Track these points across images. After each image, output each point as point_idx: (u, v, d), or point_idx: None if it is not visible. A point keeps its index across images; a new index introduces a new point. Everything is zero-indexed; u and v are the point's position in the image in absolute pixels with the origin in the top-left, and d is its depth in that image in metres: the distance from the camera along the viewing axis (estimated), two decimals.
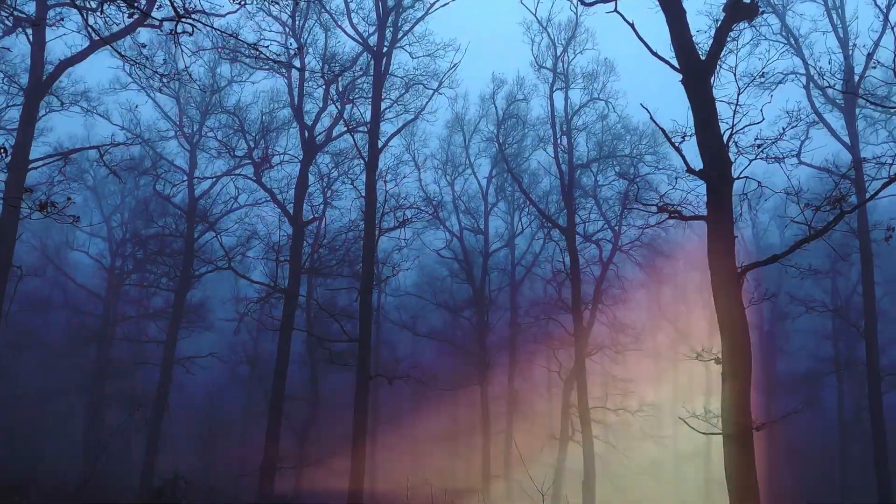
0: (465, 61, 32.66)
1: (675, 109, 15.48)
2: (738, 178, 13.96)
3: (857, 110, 24.21)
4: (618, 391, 34.76)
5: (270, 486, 25.68)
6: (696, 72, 14.55)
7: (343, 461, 37.91)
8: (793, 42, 23.81)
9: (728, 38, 15.00)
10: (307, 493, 34.16)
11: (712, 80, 14.61)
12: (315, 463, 32.37)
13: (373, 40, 25.89)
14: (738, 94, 13.37)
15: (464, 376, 43.18)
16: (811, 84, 24.42)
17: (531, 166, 38.14)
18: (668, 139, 14.04)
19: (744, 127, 14.16)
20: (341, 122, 28.15)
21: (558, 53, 30.20)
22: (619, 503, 36.31)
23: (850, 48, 23.46)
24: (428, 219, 34.32)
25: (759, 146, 13.05)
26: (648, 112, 14.26)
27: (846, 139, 24.03)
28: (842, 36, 23.72)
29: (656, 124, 14.15)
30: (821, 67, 25.29)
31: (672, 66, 14.80)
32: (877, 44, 22.14)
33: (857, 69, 23.74)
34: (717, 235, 13.90)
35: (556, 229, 33.14)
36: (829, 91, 24.11)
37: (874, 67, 21.59)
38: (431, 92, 28.01)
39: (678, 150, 13.97)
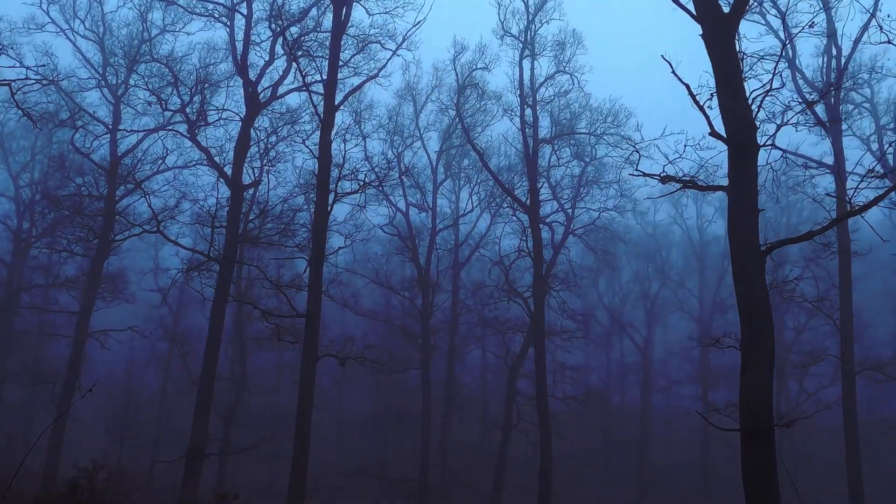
0: (418, 28, 30.48)
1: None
2: (764, 145, 12.50)
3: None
4: (566, 379, 33.48)
5: (197, 475, 23.15)
6: (719, 26, 13.03)
7: (271, 447, 35.59)
8: (778, 20, 22.62)
9: None
10: (234, 483, 31.64)
11: (736, 36, 13.15)
12: (246, 450, 29.76)
13: None
14: (786, 45, 11.75)
15: (397, 358, 41.20)
16: (795, 69, 23.38)
17: (482, 142, 36.31)
18: (693, 97, 12.43)
19: (767, 91, 12.67)
20: (291, 76, 25.69)
21: (530, 17, 28.40)
22: (567, 494, 35.17)
23: (838, 29, 22.47)
24: (375, 191, 31.97)
25: (807, 104, 11.42)
26: (670, 65, 12.61)
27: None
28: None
29: (679, 80, 12.52)
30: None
31: (692, 15, 13.23)
32: (865, 28, 21.28)
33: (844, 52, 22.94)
34: (739, 208, 12.33)
35: (513, 208, 31.47)
36: (811, 75, 23.27)
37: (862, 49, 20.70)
38: (390, 53, 25.78)
39: (703, 110, 12.39)
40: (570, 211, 34.23)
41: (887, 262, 32.61)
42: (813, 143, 27.55)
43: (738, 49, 12.71)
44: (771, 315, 12.07)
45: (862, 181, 11.50)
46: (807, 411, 36.29)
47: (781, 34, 23.46)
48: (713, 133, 12.46)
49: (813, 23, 13.94)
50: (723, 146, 13.28)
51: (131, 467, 32.24)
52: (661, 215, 48.98)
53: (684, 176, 14.01)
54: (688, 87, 12.50)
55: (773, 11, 23.47)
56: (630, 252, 48.93)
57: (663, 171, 14.18)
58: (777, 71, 12.26)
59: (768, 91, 12.12)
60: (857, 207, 11.27)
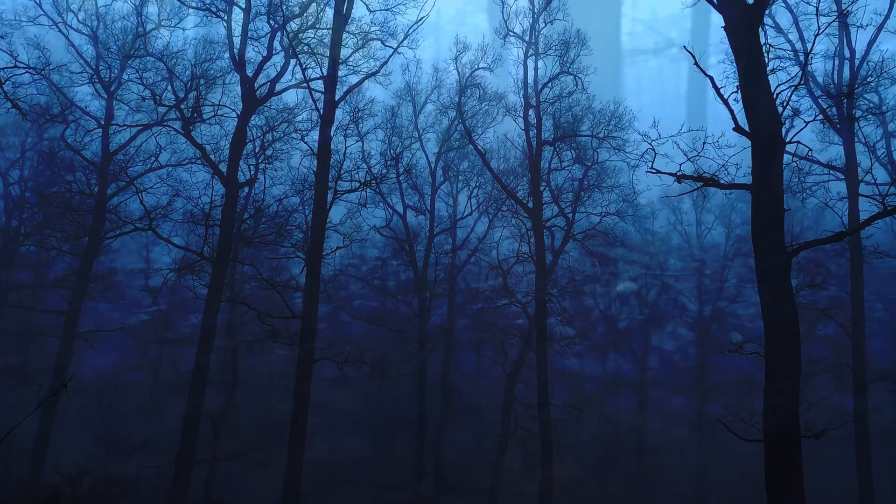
0: (420, 24, 29.95)
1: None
2: (789, 141, 11.96)
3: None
4: (565, 386, 32.82)
5: (186, 482, 22.39)
6: (742, 17, 12.49)
7: (263, 453, 34.78)
8: (789, 22, 22.12)
9: None
10: (225, 490, 30.86)
11: (760, 28, 12.61)
12: (237, 455, 28.98)
13: None
14: (816, 36, 11.22)
15: (392, 363, 40.44)
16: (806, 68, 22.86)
17: (481, 145, 35.66)
18: (717, 91, 11.86)
19: (795, 87, 12.11)
20: (289, 73, 25.06)
21: (536, 14, 27.83)
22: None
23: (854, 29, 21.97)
24: (372, 192, 31.35)
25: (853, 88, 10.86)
26: (693, 57, 12.04)
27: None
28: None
29: (703, 72, 11.97)
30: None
31: (714, 6, 12.70)
32: (881, 27, 20.81)
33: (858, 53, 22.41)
34: (763, 207, 11.78)
35: (514, 211, 30.87)
36: (820, 78, 22.78)
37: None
38: (391, 51, 25.22)
39: (727, 104, 11.84)
40: (570, 215, 33.63)
41: (884, 269, 32.12)
42: (818, 149, 27.08)
43: (763, 41, 12.20)
44: (797, 322, 11.51)
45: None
46: (814, 420, 35.81)
47: (791, 34, 23.11)
48: (737, 128, 11.92)
49: (846, 12, 13.41)
50: (744, 143, 12.78)
51: (118, 472, 31.41)
52: (659, 221, 48.36)
53: (704, 174, 13.48)
54: (712, 79, 11.96)
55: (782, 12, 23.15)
56: (627, 258, 48.36)
57: (679, 169, 13.65)
58: (801, 67, 11.71)
59: (796, 86, 11.55)
60: (890, 208, 10.73)
